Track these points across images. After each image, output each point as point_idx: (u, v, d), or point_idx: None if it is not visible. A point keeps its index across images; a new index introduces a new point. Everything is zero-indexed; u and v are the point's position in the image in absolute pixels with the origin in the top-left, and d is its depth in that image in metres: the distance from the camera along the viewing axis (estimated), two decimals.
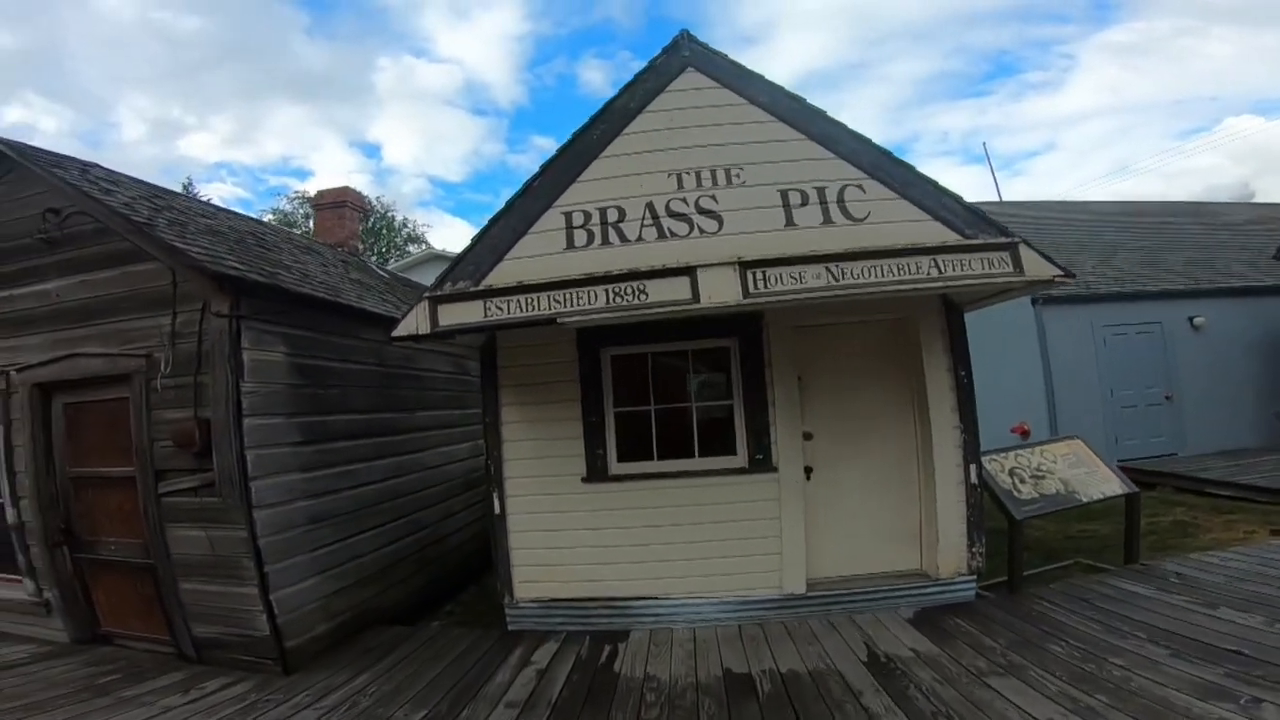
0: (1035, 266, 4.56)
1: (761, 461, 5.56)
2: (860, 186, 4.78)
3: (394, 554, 6.66)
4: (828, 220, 4.72)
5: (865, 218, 4.71)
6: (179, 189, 15.87)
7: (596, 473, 5.65)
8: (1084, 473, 6.43)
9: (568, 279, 4.65)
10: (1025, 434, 10.03)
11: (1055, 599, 5.25)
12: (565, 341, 5.68)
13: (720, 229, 4.76)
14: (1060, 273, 4.56)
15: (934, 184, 4.77)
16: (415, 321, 4.68)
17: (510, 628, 5.66)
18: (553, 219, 4.96)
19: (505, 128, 69.87)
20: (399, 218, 33.61)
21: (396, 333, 4.71)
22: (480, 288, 4.80)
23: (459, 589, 7.71)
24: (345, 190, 11.47)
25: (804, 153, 4.89)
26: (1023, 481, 6.18)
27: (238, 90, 57.79)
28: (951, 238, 4.59)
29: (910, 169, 4.80)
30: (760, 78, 5.17)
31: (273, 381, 5.38)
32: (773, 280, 4.47)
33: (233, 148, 57.21)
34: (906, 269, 4.47)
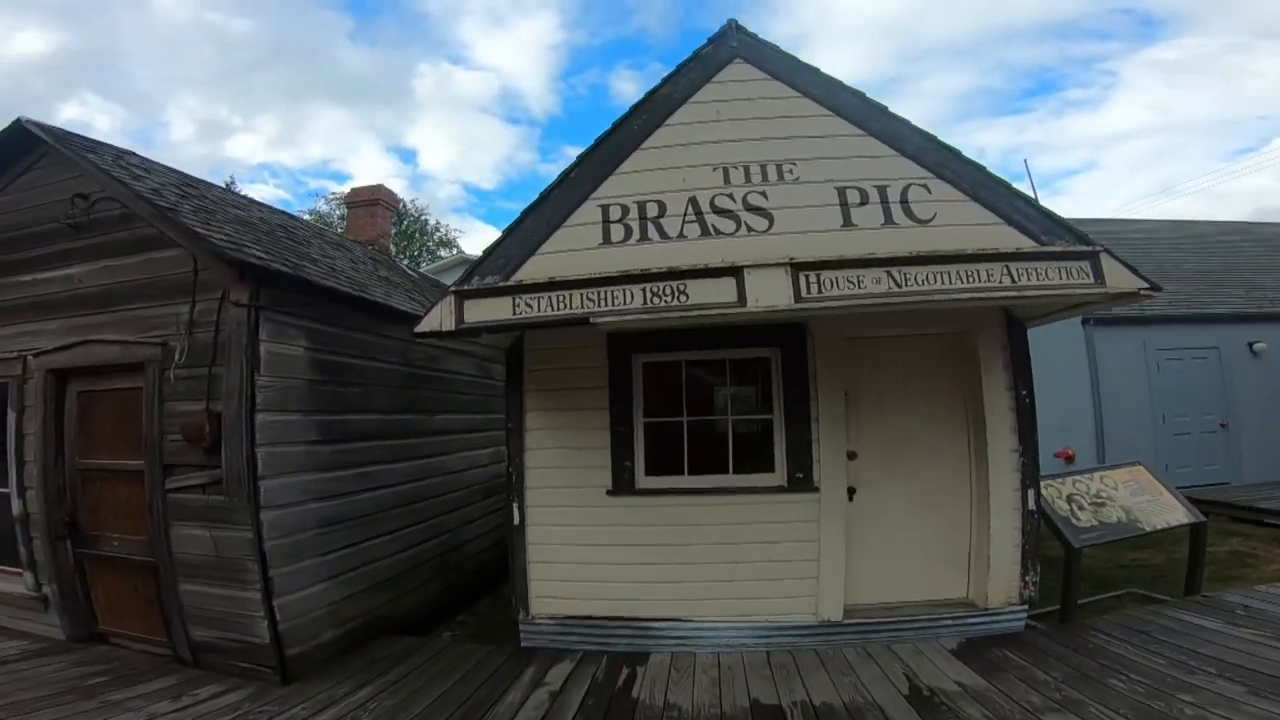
0: (1118, 278, 4.06)
1: (802, 480, 5.10)
2: (925, 186, 4.32)
3: (410, 560, 6.29)
4: (889, 221, 4.26)
5: (931, 220, 4.24)
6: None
7: (623, 485, 5.23)
8: (1146, 500, 5.93)
9: (603, 276, 4.24)
10: (1070, 459, 9.47)
11: (1112, 630, 4.80)
12: (595, 345, 5.28)
13: (770, 228, 4.33)
14: (1146, 285, 4.06)
15: (1006, 185, 4.29)
16: (439, 317, 4.30)
17: (524, 644, 5.25)
18: (588, 212, 4.57)
19: (538, 136, 70.08)
20: (432, 221, 33.59)
21: (420, 328, 4.34)
22: (509, 283, 4.41)
23: (475, 598, 7.34)
24: (379, 189, 11.21)
25: (863, 149, 4.45)
26: (1081, 509, 5.71)
27: (282, 92, 58.70)
28: (1026, 244, 4.11)
29: (981, 169, 4.34)
30: (815, 70, 4.75)
31: (291, 376, 5.05)
32: (827, 285, 4.03)
33: (276, 149, 57.98)
34: (976, 276, 4.00)
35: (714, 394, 5.43)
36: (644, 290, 4.18)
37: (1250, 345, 9.94)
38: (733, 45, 4.90)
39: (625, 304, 4.18)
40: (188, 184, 6.41)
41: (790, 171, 4.45)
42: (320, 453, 5.25)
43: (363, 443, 5.75)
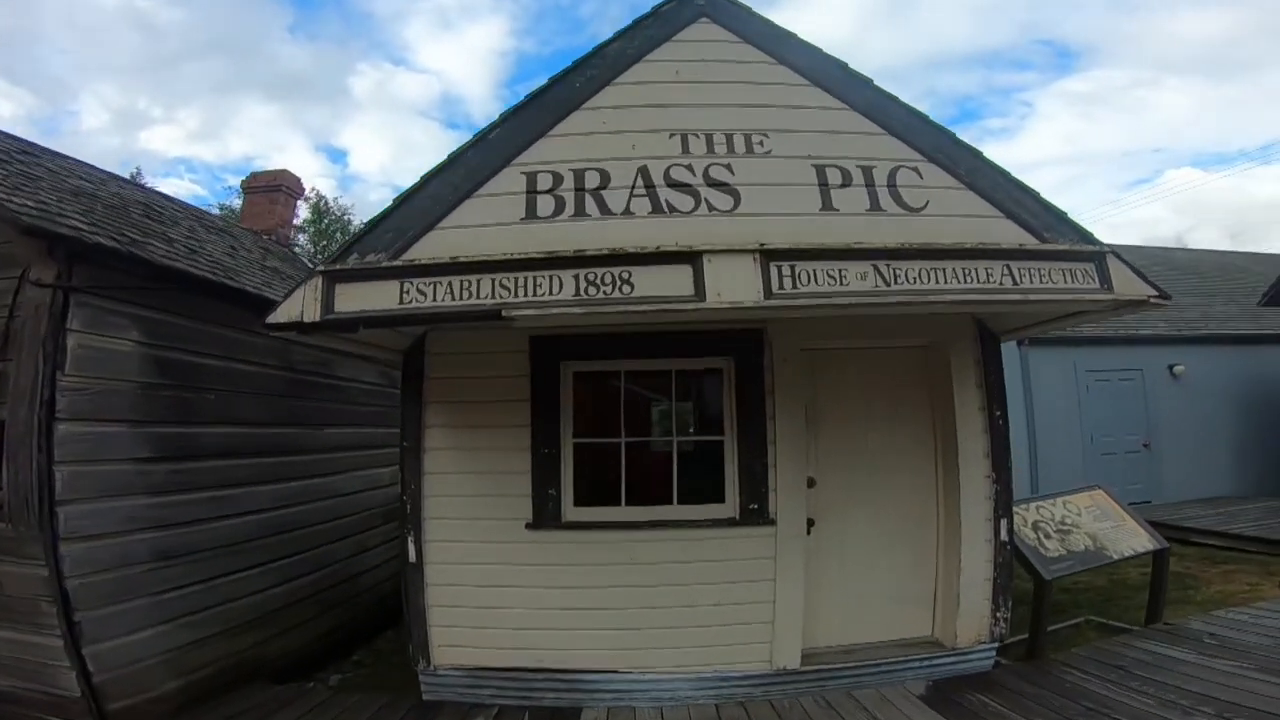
0: (1126, 284, 3.38)
1: (756, 512, 4.20)
2: (916, 170, 3.52)
3: (285, 596, 5.05)
4: (875, 207, 3.43)
5: (923, 208, 3.44)
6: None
7: (547, 517, 4.19)
8: (1110, 526, 5.44)
9: (524, 258, 3.22)
10: None
11: (1084, 666, 4.26)
12: (515, 350, 4.23)
13: (736, 206, 3.41)
14: (1155, 293, 3.40)
15: (1005, 173, 3.54)
16: (300, 305, 3.12)
17: (426, 697, 4.18)
18: (509, 179, 3.53)
19: None
20: (356, 221, 31.36)
21: (273, 318, 3.13)
22: (398, 263, 3.31)
23: (375, 633, 6.13)
24: (282, 173, 9.68)
25: (846, 124, 3.62)
26: (1048, 536, 5.13)
27: (210, 85, 53.49)
28: (1029, 240, 3.37)
29: (978, 154, 3.58)
30: (791, 35, 3.89)
31: (114, 377, 3.78)
32: (804, 279, 3.15)
33: (196, 143, 52.86)
34: (975, 275, 3.22)
35: (657, 411, 4.48)
36: (577, 277, 3.19)
37: (1170, 368, 9.91)
38: (699, 3, 3.99)
39: (552, 294, 3.18)
40: (24, 151, 5.10)
41: (761, 144, 3.56)
42: (154, 473, 3.98)
43: (219, 461, 4.48)
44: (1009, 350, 8.94)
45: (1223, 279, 12.69)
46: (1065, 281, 3.32)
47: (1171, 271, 11.63)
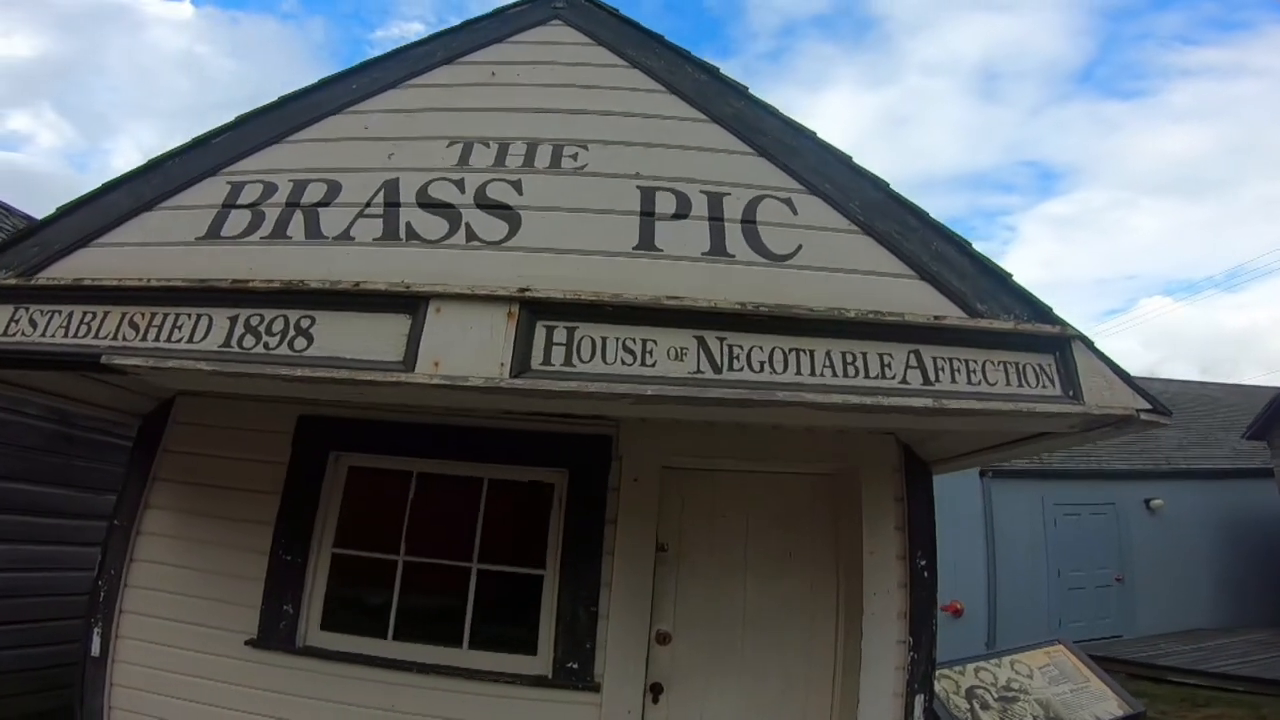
0: (1104, 390, 2.00)
1: (576, 673, 2.71)
2: (788, 202, 2.20)
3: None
4: (719, 250, 2.08)
5: (791, 255, 2.09)
6: None
7: (277, 637, 2.78)
8: (1070, 690, 4.00)
9: (162, 286, 1.93)
10: (958, 613, 7.39)
11: None
12: (277, 430, 2.95)
13: (508, 237, 2.09)
14: (1148, 406, 2.01)
15: (920, 213, 2.20)
16: None
17: None
18: (210, 189, 2.27)
19: None
20: None
21: None
22: (20, 281, 2.05)
23: None
24: None
25: (699, 138, 2.35)
26: (985, 707, 3.76)
27: None
28: (952, 312, 2.03)
29: (882, 185, 2.25)
30: (660, 38, 2.73)
31: None
32: (584, 350, 1.81)
33: None
34: (860, 365, 1.86)
35: (457, 528, 3.01)
36: (234, 320, 1.89)
37: (1147, 502, 8.49)
38: (556, 4, 2.88)
39: (193, 340, 1.88)
40: None
41: (575, 157, 2.29)
42: None
43: None
44: (969, 481, 7.59)
45: (1198, 411, 11.34)
46: (1007, 382, 1.96)
47: None
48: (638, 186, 2.20)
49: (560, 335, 1.84)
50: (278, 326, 1.87)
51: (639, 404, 1.83)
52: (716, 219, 2.13)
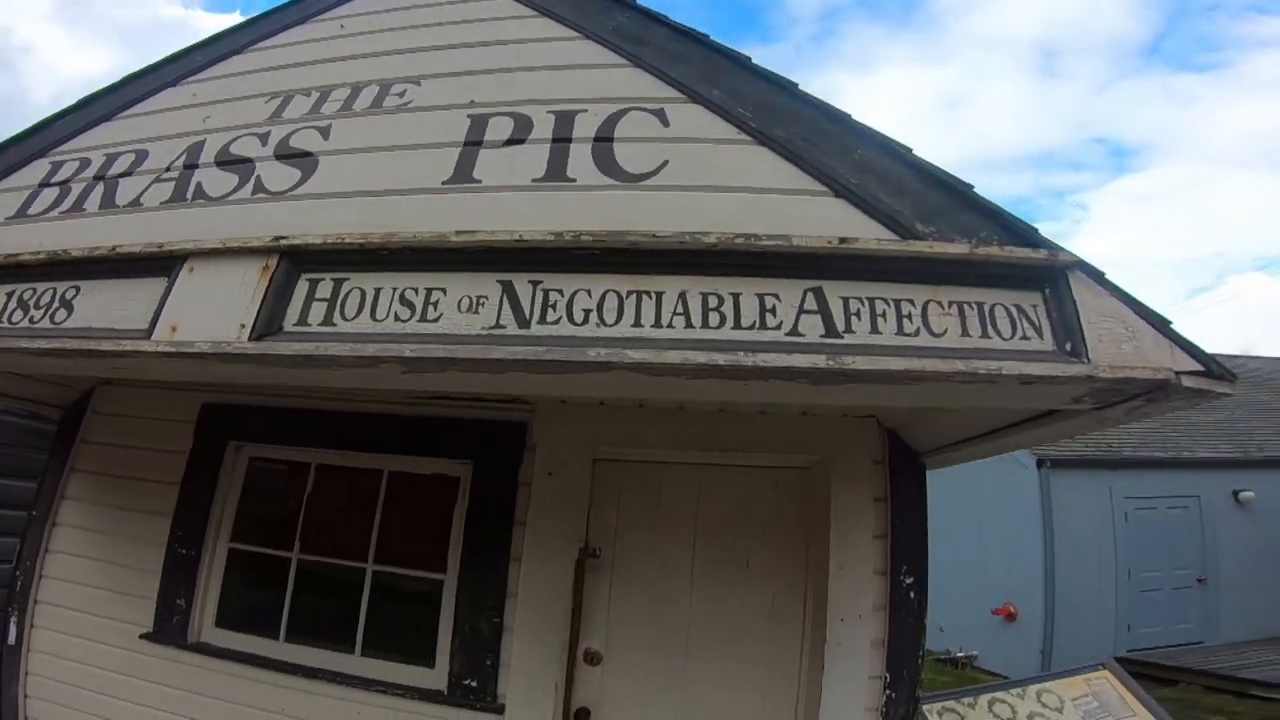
0: (1118, 339, 1.27)
1: (474, 691, 2.20)
2: (659, 114, 1.57)
3: None
4: (557, 175, 1.48)
5: (653, 173, 1.46)
6: None
7: (170, 631, 2.47)
8: None
9: None
10: (1012, 616, 6.37)
11: None
12: (184, 419, 2.61)
13: (299, 184, 1.59)
14: (1196, 367, 1.26)
15: (838, 115, 1.50)
16: None
17: None
18: (32, 171, 1.93)
19: None
20: None
21: None
22: None
23: None
24: None
25: (565, 57, 1.77)
26: None
27: None
28: (876, 234, 1.34)
29: (790, 86, 1.57)
30: None
31: None
32: (351, 304, 1.28)
33: None
34: (727, 312, 1.22)
35: (355, 525, 2.54)
36: (10, 295, 1.57)
37: (1235, 494, 6.96)
38: None
39: None
40: None
41: (402, 94, 1.76)
42: None
43: None
44: (1024, 472, 6.48)
45: None
46: (963, 331, 1.26)
47: (1244, 384, 8.55)
48: (469, 115, 1.64)
49: (325, 289, 1.32)
50: (45, 299, 1.54)
51: (412, 371, 1.26)
52: (562, 140, 1.54)
